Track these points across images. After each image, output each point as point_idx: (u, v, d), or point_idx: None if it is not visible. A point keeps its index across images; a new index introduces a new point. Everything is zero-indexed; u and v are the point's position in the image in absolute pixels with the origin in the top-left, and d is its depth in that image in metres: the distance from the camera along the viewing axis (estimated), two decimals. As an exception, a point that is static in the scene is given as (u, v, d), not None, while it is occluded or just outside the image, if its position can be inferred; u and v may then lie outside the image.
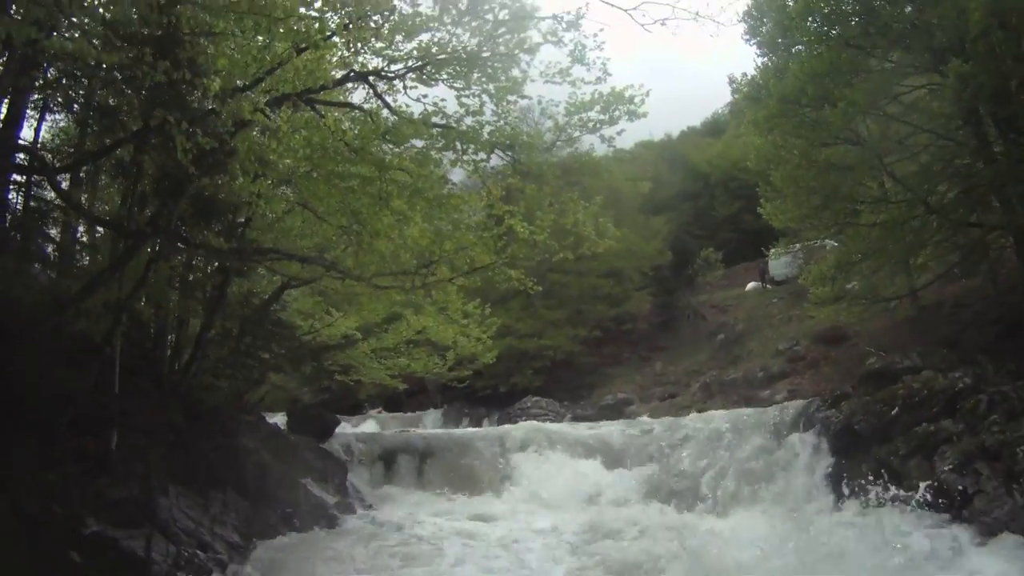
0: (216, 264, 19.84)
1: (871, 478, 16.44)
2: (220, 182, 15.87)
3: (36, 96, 15.36)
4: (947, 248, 23.29)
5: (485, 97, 14.46)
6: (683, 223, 59.72)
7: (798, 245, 31.90)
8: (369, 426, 38.39)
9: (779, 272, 45.33)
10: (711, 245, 56.62)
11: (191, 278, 20.13)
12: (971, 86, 17.97)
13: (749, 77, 25.44)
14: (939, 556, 12.74)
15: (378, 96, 14.48)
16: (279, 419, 27.15)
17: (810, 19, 22.05)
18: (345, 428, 30.78)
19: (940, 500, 14.70)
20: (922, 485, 15.15)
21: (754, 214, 34.08)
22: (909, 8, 21.16)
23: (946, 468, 15.04)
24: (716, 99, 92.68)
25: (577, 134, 15.14)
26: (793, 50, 23.45)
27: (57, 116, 17.36)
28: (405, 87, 14.46)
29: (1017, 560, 11.88)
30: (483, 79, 14.40)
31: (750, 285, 51.22)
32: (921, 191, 20.85)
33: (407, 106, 14.65)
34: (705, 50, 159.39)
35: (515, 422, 31.57)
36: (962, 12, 17.94)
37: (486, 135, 14.68)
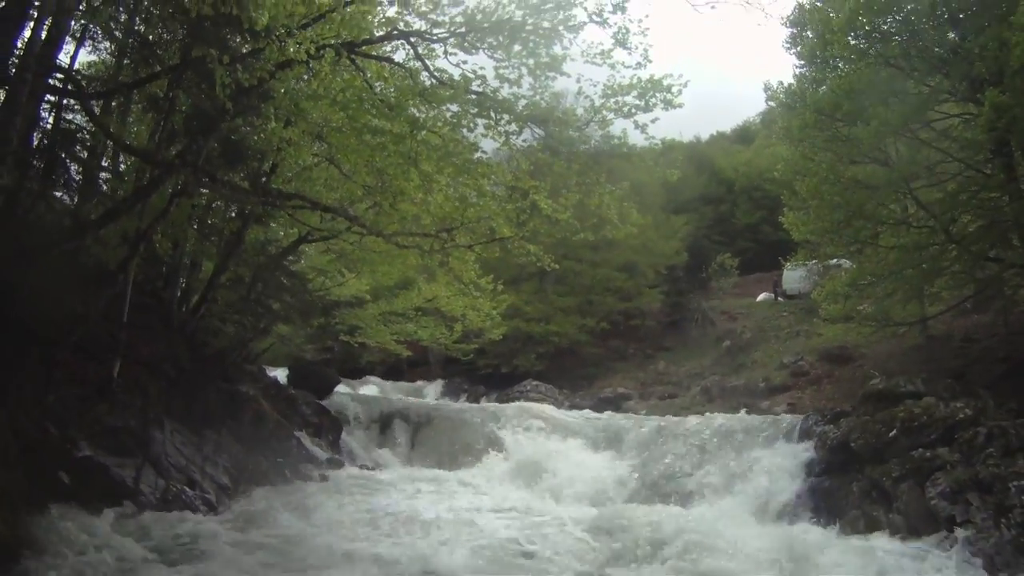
0: (236, 209, 19.88)
1: (861, 497, 16.52)
2: (253, 124, 15.90)
3: (76, 23, 15.31)
4: (963, 280, 23.20)
5: (524, 70, 14.42)
6: (703, 226, 59.78)
7: (815, 261, 31.82)
8: (368, 391, 38.42)
9: (792, 286, 45.23)
10: (728, 252, 56.48)
11: (210, 221, 20.16)
12: (1006, 117, 17.90)
13: (786, 85, 25.40)
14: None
15: (418, 57, 14.46)
16: (280, 374, 27.24)
17: (852, 35, 21.98)
18: (344, 389, 30.90)
19: (927, 526, 14.74)
20: (911, 509, 15.24)
21: (774, 226, 34.15)
22: (952, 34, 21.08)
23: (937, 494, 15.06)
24: (748, 109, 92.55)
25: (611, 117, 15.09)
26: (832, 63, 23.38)
27: (96, 44, 17.32)
28: (446, 51, 14.46)
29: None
30: (524, 53, 14.32)
31: (762, 296, 51.22)
32: (944, 219, 20.79)
33: (446, 71, 14.67)
34: (743, 60, 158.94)
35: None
36: (1004, 44, 17.87)
37: (521, 107, 14.65)
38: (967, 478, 14.92)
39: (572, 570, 13.00)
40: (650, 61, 14.35)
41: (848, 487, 17.15)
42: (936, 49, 21.00)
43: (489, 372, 44.71)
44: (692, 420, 24.20)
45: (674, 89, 14.59)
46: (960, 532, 13.94)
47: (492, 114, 14.67)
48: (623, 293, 49.22)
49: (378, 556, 12.71)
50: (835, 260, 29.61)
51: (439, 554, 12.94)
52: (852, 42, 22.06)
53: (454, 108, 14.87)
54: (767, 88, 26.38)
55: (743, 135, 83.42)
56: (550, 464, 22.06)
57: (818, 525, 16.31)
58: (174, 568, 11.03)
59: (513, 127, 14.94)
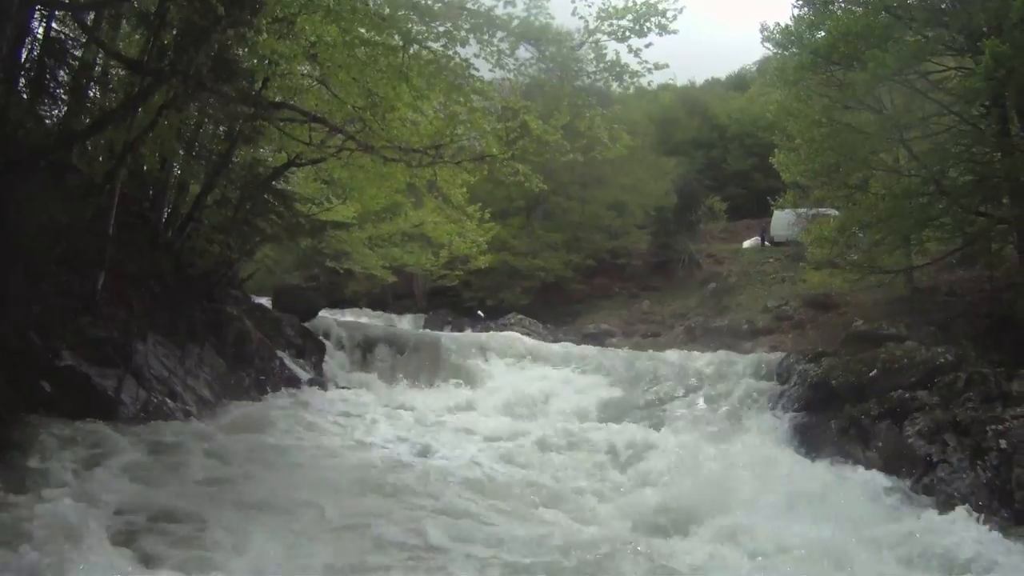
0: (225, 130, 19.77)
1: (839, 433, 16.70)
2: (245, 36, 15.76)
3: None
4: (950, 232, 23.25)
5: (521, -14, 14.35)
6: (693, 170, 59.63)
7: (804, 208, 31.78)
8: (352, 319, 38.58)
9: (780, 233, 45.21)
10: (718, 196, 56.50)
11: (198, 140, 20.04)
12: (1004, 68, 17.85)
13: (783, 26, 25.22)
14: (895, 514, 12.93)
15: (413, -32, 14.35)
16: (266, 302, 27.29)
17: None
18: (329, 314, 31.00)
19: (903, 464, 14.89)
20: (887, 447, 15.42)
21: (765, 172, 34.23)
22: (955, -15, 21.00)
23: (914, 433, 15.20)
24: (745, 57, 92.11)
25: (605, 40, 15.02)
26: (831, 6, 23.30)
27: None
28: (441, -36, 14.37)
29: (970, 531, 12.02)
30: (522, -32, 14.26)
31: (749, 241, 51.48)
32: (935, 170, 20.80)
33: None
34: (741, 6, 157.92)
35: (497, 336, 31.63)
36: (1006, -3, 17.82)
37: (515, 25, 14.56)
38: (945, 420, 15.06)
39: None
40: (646, -18, 14.29)
41: (826, 424, 17.33)
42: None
43: (474, 305, 44.90)
44: (672, 354, 24.49)
45: (669, 14, 14.53)
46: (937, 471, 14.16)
47: (486, 30, 14.57)
48: (611, 232, 49.40)
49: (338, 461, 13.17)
50: (823, 208, 29.63)
51: (395, 470, 13.03)
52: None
53: (447, 24, 14.75)
54: (763, 29, 26.18)
55: (738, 82, 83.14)
56: (529, 388, 22.47)
57: (791, 456, 16.53)
58: (149, 471, 11.08)
59: (506, 46, 14.85)
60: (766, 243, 48.76)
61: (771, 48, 26.01)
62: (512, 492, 12.52)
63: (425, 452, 14.91)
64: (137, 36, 18.12)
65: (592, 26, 14.92)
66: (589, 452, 15.62)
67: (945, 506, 13.11)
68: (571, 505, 12.47)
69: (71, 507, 8.60)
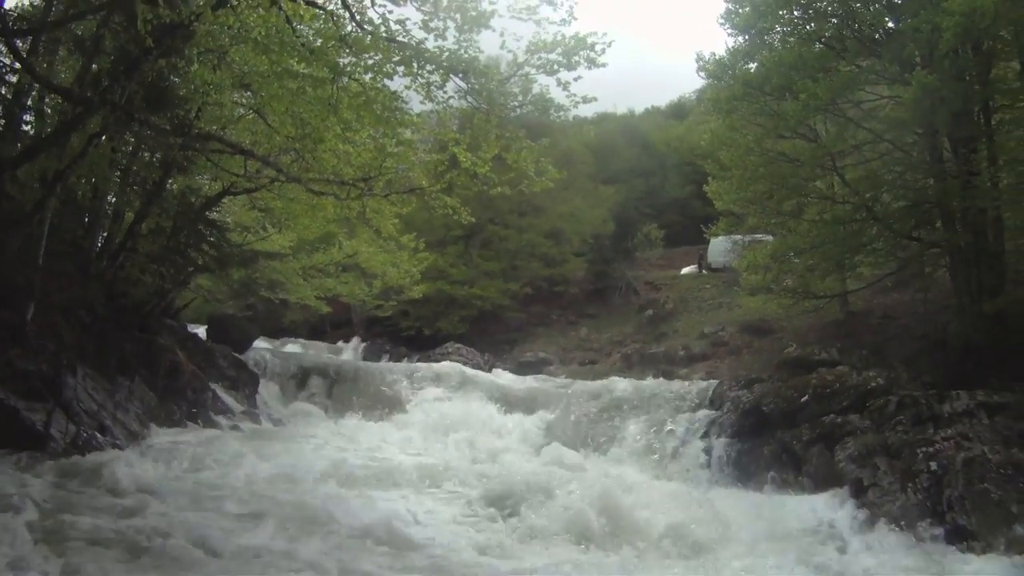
0: (159, 157, 19.65)
1: (771, 459, 16.80)
2: (176, 67, 15.73)
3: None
4: (884, 257, 23.46)
5: (451, 23, 14.34)
6: (632, 197, 59.87)
7: (739, 236, 31.99)
8: (289, 349, 38.37)
9: (717, 259, 45.41)
10: (656, 224, 56.76)
11: (134, 168, 19.89)
12: (933, 98, 18.09)
13: (718, 57, 25.40)
14: (822, 535, 13.07)
15: (344, 4, 14.33)
16: (201, 332, 27.08)
17: (786, 10, 22.12)
18: (264, 345, 30.83)
19: (835, 488, 15.00)
20: (819, 472, 15.55)
21: (703, 200, 34.32)
22: (888, 20, 21.25)
23: (845, 457, 15.34)
24: (684, 85, 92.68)
25: (534, 73, 15.08)
26: (766, 38, 23.49)
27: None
28: (373, 1, 14.35)
29: (897, 551, 12.15)
30: (452, 7, 14.25)
31: (686, 268, 51.71)
32: (868, 197, 21.00)
33: (370, 21, 14.55)
34: (680, 36, 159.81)
35: (434, 364, 31.58)
36: (936, 28, 18.03)
37: (444, 59, 14.57)
38: (876, 443, 15.23)
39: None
40: (575, 18, 14.35)
41: (759, 450, 17.42)
42: (870, 31, 21.18)
43: (412, 334, 44.79)
44: (602, 383, 24.56)
45: (598, 48, 14.58)
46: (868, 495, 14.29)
47: (415, 64, 14.58)
48: (548, 259, 49.41)
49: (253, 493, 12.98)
50: (759, 235, 29.84)
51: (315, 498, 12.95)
52: (788, 16, 22.19)
53: (376, 57, 14.74)
54: (699, 59, 26.35)
55: (677, 110, 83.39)
56: (461, 420, 22.37)
57: (724, 484, 16.61)
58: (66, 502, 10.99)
59: (436, 78, 14.87)
60: (704, 270, 49.00)
61: (705, 78, 26.17)
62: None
63: (347, 483, 14.66)
64: (71, 64, 18.07)
65: (521, 59, 14.99)
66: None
67: (874, 527, 13.27)
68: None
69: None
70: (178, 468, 14.16)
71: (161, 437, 16.43)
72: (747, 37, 24.20)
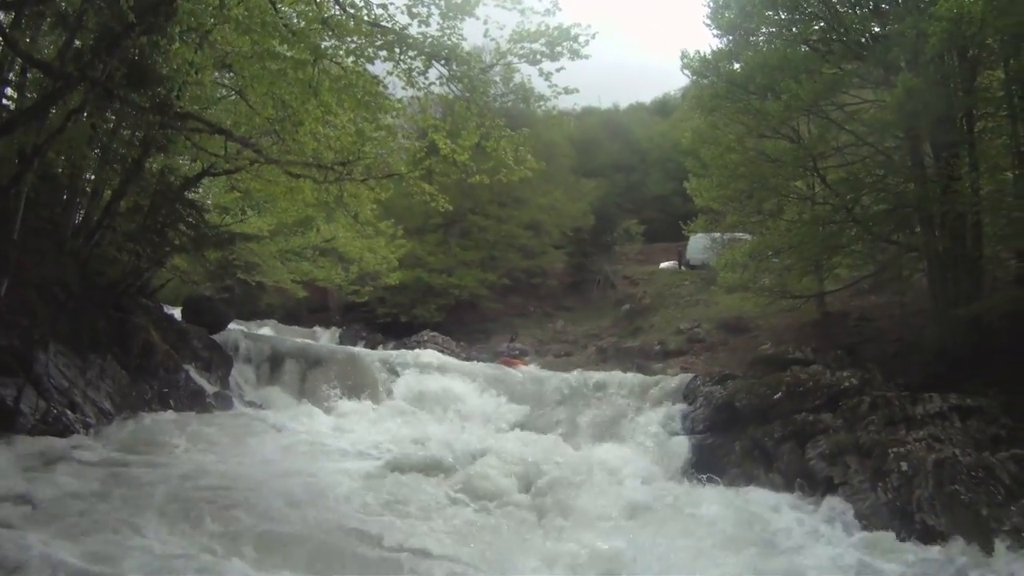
0: (138, 135, 19.50)
1: (742, 455, 16.81)
2: (158, 42, 15.60)
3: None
4: (862, 259, 23.50)
5: (435, 9, 14.26)
6: (613, 192, 59.94)
7: (718, 234, 32.03)
8: (264, 332, 38.19)
9: (696, 257, 45.49)
10: (636, 219, 56.78)
11: (113, 146, 19.74)
12: (916, 102, 18.08)
13: (702, 55, 25.38)
14: (794, 536, 13.02)
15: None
16: (178, 312, 26.90)
17: (773, 12, 22.12)
18: (239, 327, 30.65)
19: (805, 485, 15.06)
20: (790, 469, 15.57)
21: (684, 197, 34.27)
22: (874, 25, 21.24)
23: (816, 455, 15.37)
24: (670, 83, 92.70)
25: (517, 62, 15.03)
26: (751, 39, 23.50)
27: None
28: (358, -15, 14.26)
29: (863, 549, 12.18)
30: (438, -7, 14.20)
31: (665, 264, 51.72)
32: (848, 199, 21.01)
33: (353, 4, 14.45)
34: (667, 34, 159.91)
35: (410, 351, 31.54)
36: (922, 34, 18.02)
37: (427, 44, 14.49)
38: (848, 442, 15.28)
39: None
40: (560, 9, 14.31)
41: (730, 445, 17.45)
42: (856, 35, 21.17)
43: (388, 321, 44.69)
44: (580, 373, 24.62)
45: (581, 39, 14.56)
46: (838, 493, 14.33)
47: (396, 50, 14.50)
48: (527, 251, 49.41)
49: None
50: (739, 233, 29.84)
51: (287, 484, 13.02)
52: (774, 17, 22.19)
53: (359, 40, 14.66)
54: (683, 56, 26.33)
55: (662, 107, 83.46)
56: (434, 403, 22.83)
57: (695, 479, 16.62)
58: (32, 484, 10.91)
59: (418, 64, 14.78)
60: (683, 266, 49.02)
61: (690, 75, 26.13)
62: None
63: (308, 472, 14.66)
64: (54, 38, 17.93)
65: (504, 48, 14.94)
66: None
67: (846, 525, 13.31)
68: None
69: None
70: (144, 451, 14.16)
71: (131, 418, 16.33)
72: (732, 38, 24.24)
